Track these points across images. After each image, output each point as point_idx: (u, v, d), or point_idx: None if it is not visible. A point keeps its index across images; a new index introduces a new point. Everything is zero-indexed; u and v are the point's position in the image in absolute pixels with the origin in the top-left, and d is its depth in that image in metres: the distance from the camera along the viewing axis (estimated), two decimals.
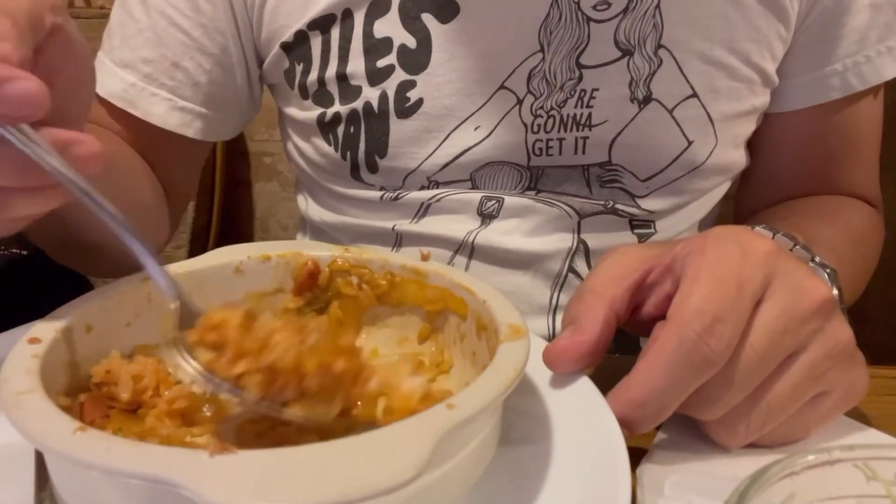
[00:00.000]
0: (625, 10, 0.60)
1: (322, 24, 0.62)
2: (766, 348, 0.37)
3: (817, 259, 0.43)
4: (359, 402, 0.36)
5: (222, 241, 1.37)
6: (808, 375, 0.38)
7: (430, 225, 0.66)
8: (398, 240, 0.68)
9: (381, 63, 0.62)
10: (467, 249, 0.66)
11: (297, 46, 0.64)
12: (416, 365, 0.45)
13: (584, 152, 0.63)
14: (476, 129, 0.62)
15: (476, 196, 0.65)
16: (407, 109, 0.62)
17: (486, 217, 0.65)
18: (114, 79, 0.65)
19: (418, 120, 0.62)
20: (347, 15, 0.62)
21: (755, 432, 0.39)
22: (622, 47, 0.61)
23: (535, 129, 0.62)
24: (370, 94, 0.62)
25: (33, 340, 0.35)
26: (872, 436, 0.41)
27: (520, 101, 0.62)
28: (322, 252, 0.47)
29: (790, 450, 0.40)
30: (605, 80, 0.61)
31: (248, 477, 0.27)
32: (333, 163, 0.66)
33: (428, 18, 0.61)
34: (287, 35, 0.63)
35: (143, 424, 0.38)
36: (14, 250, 0.86)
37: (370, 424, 0.34)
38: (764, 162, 0.72)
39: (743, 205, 0.77)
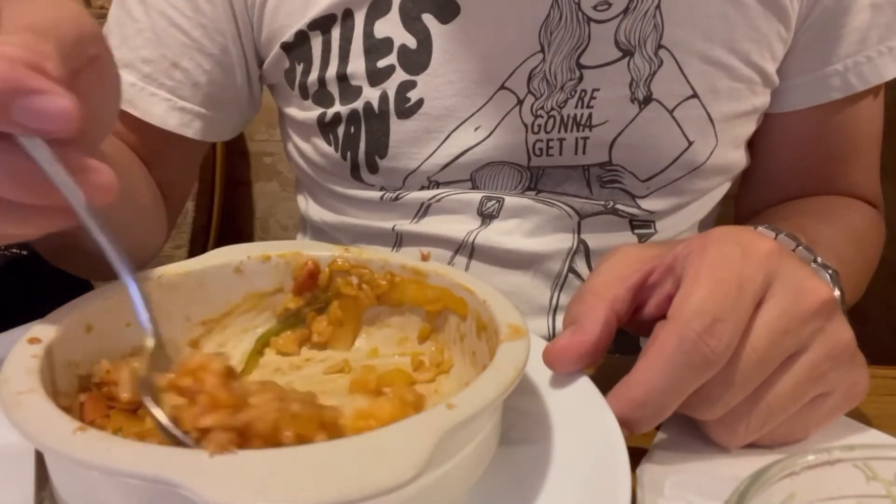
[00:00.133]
0: (625, 11, 0.60)
1: (322, 24, 0.62)
2: (767, 348, 0.37)
3: (819, 260, 0.43)
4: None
5: (222, 241, 1.37)
6: (809, 376, 0.38)
7: (431, 225, 0.66)
8: (398, 240, 0.68)
9: (381, 63, 0.62)
10: (467, 249, 0.66)
11: (297, 46, 0.64)
12: (416, 365, 0.45)
13: (584, 153, 0.63)
14: (476, 129, 0.62)
15: (476, 196, 0.65)
16: (407, 110, 0.62)
17: (487, 217, 0.65)
18: None
19: (419, 120, 0.62)
20: (348, 15, 0.62)
21: (755, 432, 0.39)
22: (622, 48, 0.61)
23: (536, 129, 0.62)
24: (370, 95, 0.62)
25: (33, 340, 0.35)
26: (872, 436, 0.41)
27: (520, 102, 0.62)
28: (322, 252, 0.47)
29: (790, 450, 0.40)
30: (606, 81, 0.61)
31: (248, 477, 0.27)
32: (333, 163, 0.66)
33: (428, 19, 0.61)
34: (287, 35, 0.63)
35: (143, 424, 0.37)
36: (14, 250, 0.86)
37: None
38: (764, 162, 0.72)
39: (743, 205, 0.77)
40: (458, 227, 0.65)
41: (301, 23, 0.62)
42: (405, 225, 0.67)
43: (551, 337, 0.65)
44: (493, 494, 0.34)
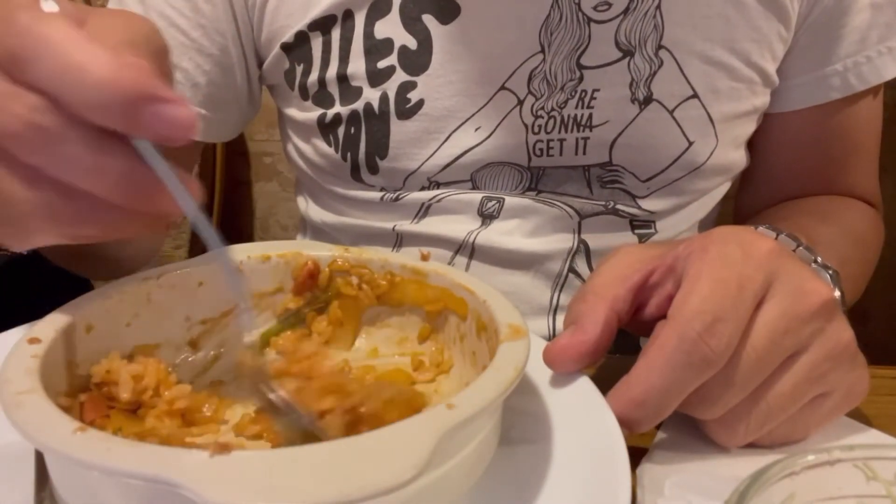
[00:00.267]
0: (625, 11, 0.60)
1: (323, 24, 0.62)
2: (767, 348, 0.37)
3: (819, 260, 0.43)
4: None
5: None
6: (809, 376, 0.38)
7: (431, 225, 0.66)
8: (398, 240, 0.68)
9: (381, 64, 0.62)
10: (468, 250, 0.66)
11: (297, 47, 0.64)
12: (416, 365, 0.45)
13: (584, 153, 0.63)
14: (477, 129, 0.62)
15: (476, 196, 0.65)
16: (407, 110, 0.62)
17: (487, 217, 0.65)
18: None
19: (419, 121, 0.62)
20: (348, 16, 0.62)
21: (755, 432, 0.39)
22: (623, 48, 0.61)
23: (536, 129, 0.62)
24: (371, 95, 0.62)
25: (33, 340, 0.35)
26: (872, 436, 0.41)
27: (520, 102, 0.62)
28: (322, 252, 0.47)
29: (790, 450, 0.40)
30: (606, 81, 0.61)
31: (248, 477, 0.27)
32: (334, 164, 0.66)
33: (429, 19, 0.61)
34: (287, 35, 0.63)
35: (143, 424, 0.38)
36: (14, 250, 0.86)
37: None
38: (764, 162, 0.72)
39: (743, 205, 0.77)
40: (459, 227, 0.65)
41: (301, 23, 0.62)
42: (405, 225, 0.67)
43: (551, 337, 0.65)
44: (493, 494, 0.34)
